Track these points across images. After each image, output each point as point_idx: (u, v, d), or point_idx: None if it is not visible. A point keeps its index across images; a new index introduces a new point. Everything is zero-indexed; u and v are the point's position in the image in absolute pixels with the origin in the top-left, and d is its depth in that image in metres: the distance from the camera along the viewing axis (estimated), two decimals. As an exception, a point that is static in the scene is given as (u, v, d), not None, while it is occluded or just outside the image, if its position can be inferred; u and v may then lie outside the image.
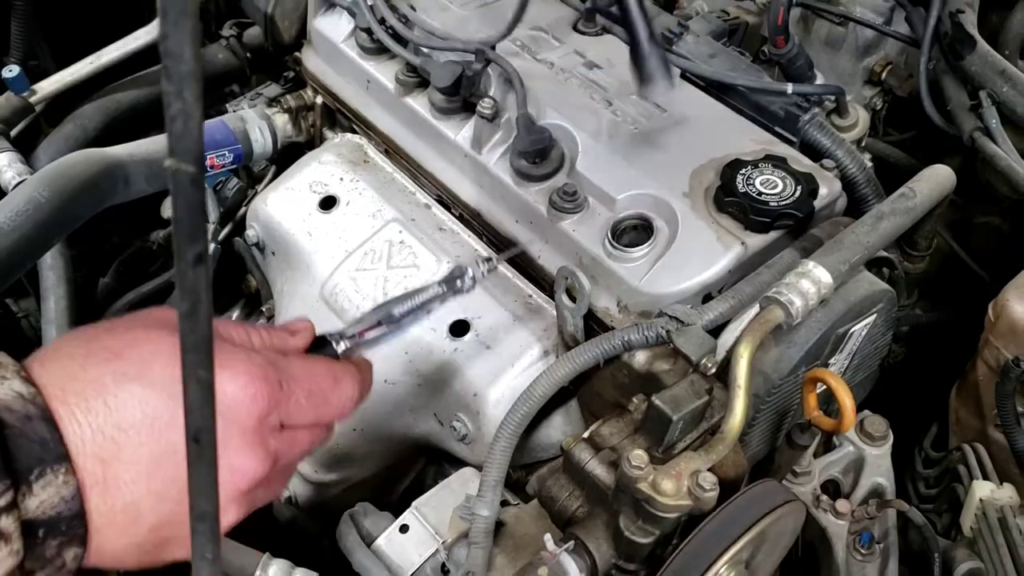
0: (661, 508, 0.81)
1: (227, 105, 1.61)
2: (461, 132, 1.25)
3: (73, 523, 0.53)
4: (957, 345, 1.14)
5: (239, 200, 1.66)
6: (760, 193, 1.06)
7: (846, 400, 0.83)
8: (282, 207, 1.37)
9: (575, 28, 1.36)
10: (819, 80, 1.33)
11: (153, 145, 1.39)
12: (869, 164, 1.23)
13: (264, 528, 1.41)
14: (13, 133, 1.59)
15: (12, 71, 1.51)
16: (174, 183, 0.37)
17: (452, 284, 0.91)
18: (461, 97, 1.24)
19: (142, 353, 0.57)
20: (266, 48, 1.60)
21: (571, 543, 0.88)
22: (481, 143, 1.22)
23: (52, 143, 1.56)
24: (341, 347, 0.81)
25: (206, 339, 0.41)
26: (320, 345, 0.80)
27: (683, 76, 1.27)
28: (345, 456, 1.27)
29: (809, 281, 0.94)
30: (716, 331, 0.98)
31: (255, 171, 1.65)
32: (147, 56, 1.70)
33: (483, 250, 1.26)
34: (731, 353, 0.89)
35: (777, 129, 1.23)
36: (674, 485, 0.81)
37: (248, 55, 1.70)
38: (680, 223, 1.07)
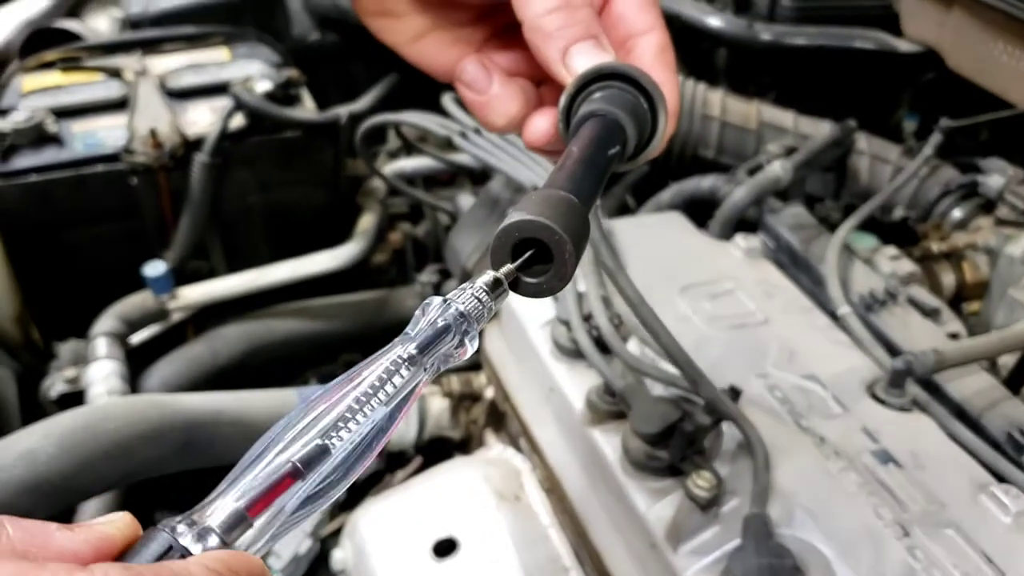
0: None
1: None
2: (656, 507, 0.80)
3: None
4: None
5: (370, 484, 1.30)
6: None
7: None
8: (384, 534, 0.96)
9: (871, 392, 0.89)
10: None
11: (236, 404, 1.02)
12: None
13: None
14: (140, 338, 1.33)
15: (157, 269, 1.26)
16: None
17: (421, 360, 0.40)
18: (669, 455, 0.80)
19: None
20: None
21: None
22: (680, 535, 0.76)
23: (172, 361, 1.28)
24: (196, 546, 0.34)
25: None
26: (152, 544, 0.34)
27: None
28: None
29: None
30: None
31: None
32: (322, 284, 1.43)
33: None
34: None
35: None
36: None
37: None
38: None
